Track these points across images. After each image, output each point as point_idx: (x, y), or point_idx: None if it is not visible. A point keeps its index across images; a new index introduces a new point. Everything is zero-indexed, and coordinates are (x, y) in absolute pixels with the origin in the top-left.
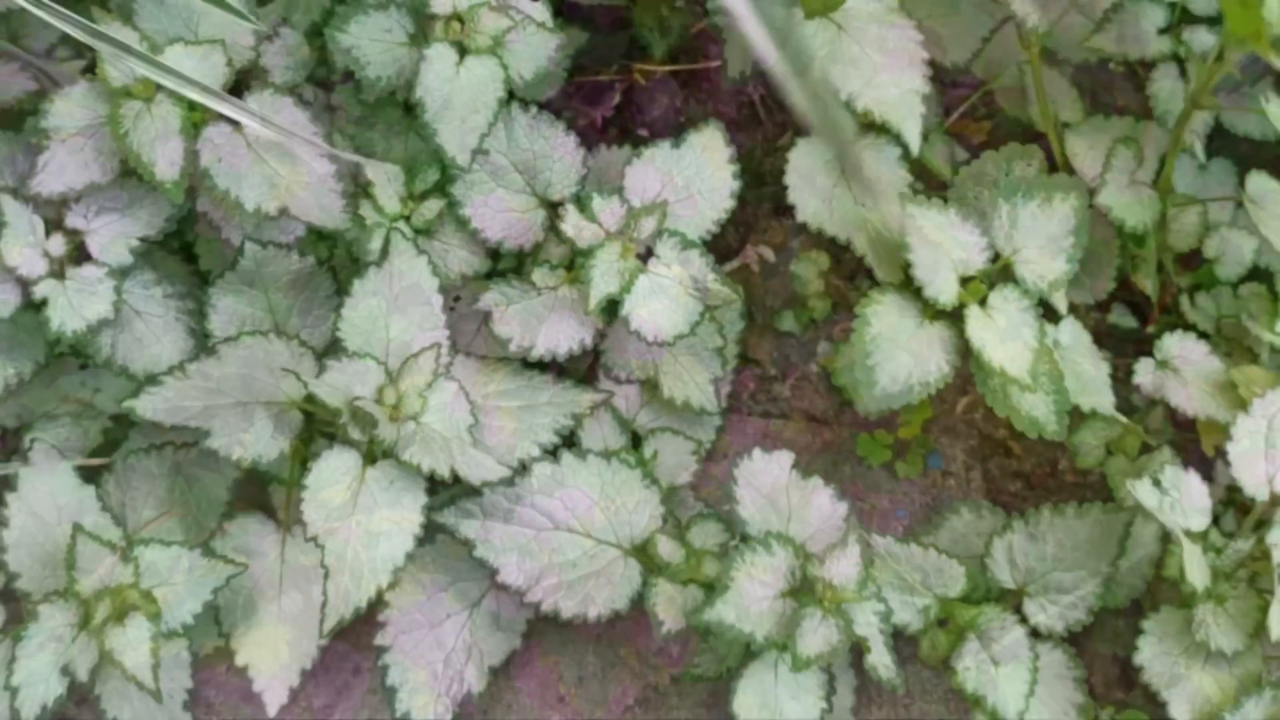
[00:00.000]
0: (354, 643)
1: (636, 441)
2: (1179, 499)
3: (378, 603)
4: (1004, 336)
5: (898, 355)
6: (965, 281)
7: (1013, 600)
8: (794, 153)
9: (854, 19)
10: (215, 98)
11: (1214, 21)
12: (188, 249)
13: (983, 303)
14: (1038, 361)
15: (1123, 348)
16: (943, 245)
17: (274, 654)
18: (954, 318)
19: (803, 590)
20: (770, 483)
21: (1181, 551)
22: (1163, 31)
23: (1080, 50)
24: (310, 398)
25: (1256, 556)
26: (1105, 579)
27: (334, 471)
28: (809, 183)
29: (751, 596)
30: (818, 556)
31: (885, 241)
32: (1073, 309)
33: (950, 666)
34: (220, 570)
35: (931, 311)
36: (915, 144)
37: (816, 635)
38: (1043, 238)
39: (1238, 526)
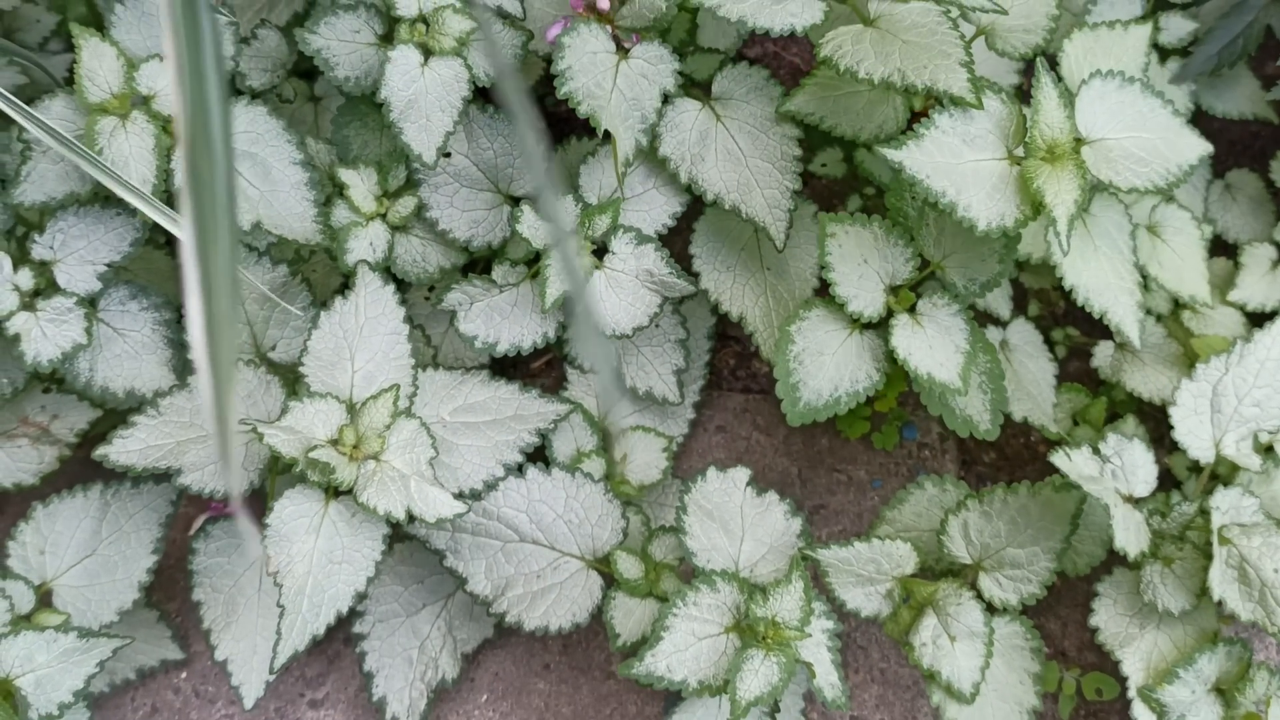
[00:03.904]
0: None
1: (608, 440)
2: (1121, 466)
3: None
4: (933, 343)
5: (823, 371)
6: (895, 290)
7: (969, 575)
8: (700, 222)
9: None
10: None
11: (1187, 6)
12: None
13: (912, 310)
14: (969, 364)
15: (1092, 324)
16: (868, 261)
17: (253, 648)
18: (883, 326)
19: (746, 628)
20: (723, 503)
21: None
22: (1141, 20)
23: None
24: None
25: (1200, 518)
26: (1059, 555)
27: (297, 512)
28: (713, 253)
29: (691, 637)
30: (762, 591)
31: (784, 308)
32: (1038, 292)
33: (908, 642)
34: (103, 646)
35: (859, 324)
36: (780, 241)
37: (757, 677)
38: (973, 241)
39: None
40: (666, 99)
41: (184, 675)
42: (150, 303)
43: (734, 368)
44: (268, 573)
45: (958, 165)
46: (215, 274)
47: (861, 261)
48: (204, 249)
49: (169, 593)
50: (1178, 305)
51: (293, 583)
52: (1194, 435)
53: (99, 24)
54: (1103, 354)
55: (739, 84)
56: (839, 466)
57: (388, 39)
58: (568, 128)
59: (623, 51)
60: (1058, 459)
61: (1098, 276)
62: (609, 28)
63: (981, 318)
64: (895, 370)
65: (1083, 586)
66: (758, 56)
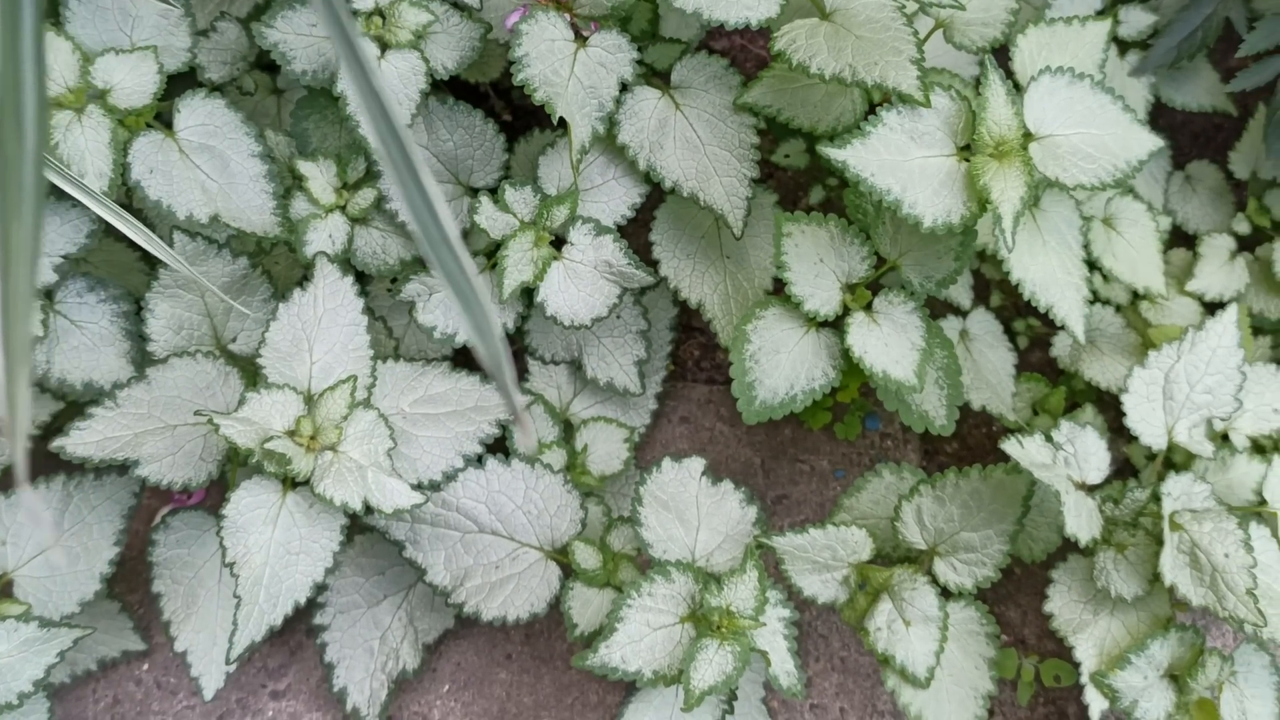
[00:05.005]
0: (307, 605)
1: (570, 431)
2: (1074, 453)
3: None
4: (889, 340)
5: (779, 369)
6: (851, 288)
7: (925, 561)
8: (660, 209)
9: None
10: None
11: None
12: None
13: (868, 308)
14: (925, 361)
15: None
16: (824, 260)
17: (212, 640)
18: (840, 324)
19: (701, 617)
20: (679, 494)
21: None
22: (1099, 16)
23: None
24: None
25: (1152, 504)
26: (1012, 537)
27: (254, 503)
28: (673, 240)
29: (645, 627)
30: (717, 581)
31: (744, 296)
32: (1000, 283)
33: (864, 628)
34: (64, 636)
35: (815, 322)
36: (738, 229)
37: (712, 666)
38: (929, 239)
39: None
40: (625, 87)
41: (145, 666)
42: (109, 295)
43: (698, 359)
44: (225, 564)
45: (904, 162)
46: (15, 251)
47: (818, 260)
48: (5, 224)
49: (131, 584)
50: (1136, 296)
51: (249, 573)
52: (1146, 422)
53: (55, 18)
54: (1062, 344)
55: (698, 73)
56: (802, 457)
57: None
58: (532, 119)
59: (581, 40)
60: (1009, 446)
61: (1045, 271)
62: (568, 16)
63: (943, 307)
64: (853, 365)
65: (1042, 575)
66: (723, 49)
